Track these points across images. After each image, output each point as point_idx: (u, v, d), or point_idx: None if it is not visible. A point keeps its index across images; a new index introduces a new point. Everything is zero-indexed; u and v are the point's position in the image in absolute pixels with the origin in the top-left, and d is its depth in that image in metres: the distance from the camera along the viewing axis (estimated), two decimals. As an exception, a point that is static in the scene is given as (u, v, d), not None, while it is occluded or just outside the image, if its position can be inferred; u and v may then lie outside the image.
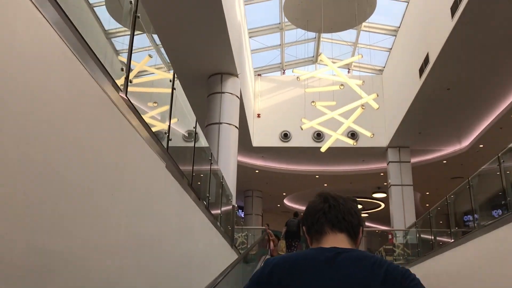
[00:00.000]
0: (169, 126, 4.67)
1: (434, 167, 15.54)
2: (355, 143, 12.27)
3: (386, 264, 1.31)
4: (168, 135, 4.60)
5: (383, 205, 20.03)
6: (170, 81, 4.88)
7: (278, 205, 21.94)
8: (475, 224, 7.56)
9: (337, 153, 15.29)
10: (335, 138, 10.87)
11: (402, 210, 13.75)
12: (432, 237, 10.13)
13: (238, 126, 10.41)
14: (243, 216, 20.07)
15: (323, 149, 11.52)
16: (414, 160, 14.67)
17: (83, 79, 2.45)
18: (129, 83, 3.21)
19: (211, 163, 7.07)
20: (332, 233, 1.39)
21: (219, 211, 7.97)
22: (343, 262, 1.30)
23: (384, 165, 15.81)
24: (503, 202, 6.81)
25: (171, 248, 4.65)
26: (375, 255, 1.37)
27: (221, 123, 9.99)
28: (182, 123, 5.96)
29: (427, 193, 18.17)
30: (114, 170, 2.95)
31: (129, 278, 3.26)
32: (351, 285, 1.26)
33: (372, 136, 11.39)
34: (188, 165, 5.70)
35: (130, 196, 3.28)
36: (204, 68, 10.22)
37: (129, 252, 3.26)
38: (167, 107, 4.81)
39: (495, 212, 7.50)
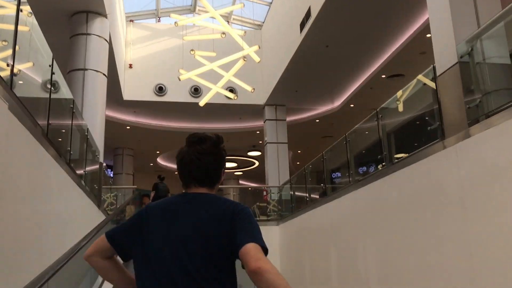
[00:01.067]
0: (13, 60, 3.64)
1: (307, 126, 15.99)
2: (235, 97, 11.85)
3: (232, 203, 1.66)
4: (13, 68, 3.59)
5: (257, 163, 20.31)
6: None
7: (151, 164, 20.93)
8: (350, 179, 7.71)
9: (214, 110, 14.80)
10: (215, 91, 10.28)
11: (277, 167, 13.90)
12: (307, 194, 10.32)
13: (106, 75, 9.20)
14: (112, 175, 18.72)
15: (201, 103, 10.90)
16: (289, 118, 14.86)
17: None
18: None
19: (73, 112, 5.98)
20: (195, 186, 1.71)
21: (83, 169, 6.94)
22: (200, 203, 1.65)
23: (260, 123, 15.79)
24: (378, 157, 6.97)
25: (19, 210, 3.70)
26: (225, 198, 1.71)
27: (86, 69, 8.69)
28: (39, 70, 4.83)
29: (299, 151, 18.79)
30: None
31: None
32: (207, 219, 1.60)
33: (252, 90, 11.06)
34: (45, 116, 4.66)
35: None
36: (67, 4, 8.73)
37: None
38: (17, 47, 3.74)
39: (370, 167, 7.73)
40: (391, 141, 6.62)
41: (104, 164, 10.03)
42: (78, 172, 6.47)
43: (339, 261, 8.06)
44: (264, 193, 13.96)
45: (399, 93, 6.29)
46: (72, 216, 5.86)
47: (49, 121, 4.59)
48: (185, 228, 1.58)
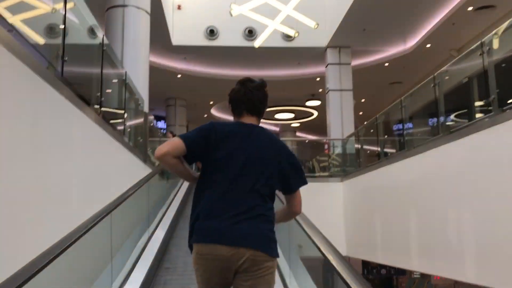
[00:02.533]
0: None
1: (373, 71, 14.30)
2: (296, 34, 10.42)
3: (281, 142, 2.21)
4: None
5: (316, 114, 18.93)
6: None
7: (205, 115, 20.07)
8: (439, 130, 6.28)
9: (270, 55, 13.44)
10: (272, 28, 8.92)
11: (340, 118, 12.51)
12: (379, 147, 8.97)
13: (149, 12, 8.09)
14: (165, 127, 18.13)
15: (257, 44, 9.66)
16: (354, 63, 13.24)
17: None
18: None
19: (104, 50, 4.94)
20: (247, 115, 2.15)
21: (122, 120, 6.00)
22: (258, 135, 2.12)
23: (321, 68, 14.28)
24: (481, 103, 5.51)
25: (23, 170, 2.79)
26: (279, 141, 2.22)
27: (126, 5, 7.62)
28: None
29: (363, 100, 17.15)
30: None
31: None
32: (265, 150, 2.09)
33: (316, 26, 9.58)
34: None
35: None
36: None
37: None
38: None
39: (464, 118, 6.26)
40: (503, 81, 5.09)
41: (152, 116, 9.15)
42: (115, 122, 5.53)
43: (420, 227, 6.80)
44: (325, 146, 12.70)
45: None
46: (108, 174, 4.96)
47: (64, 55, 3.55)
48: (249, 149, 2.06)
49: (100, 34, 5.02)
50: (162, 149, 1.97)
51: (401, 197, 7.43)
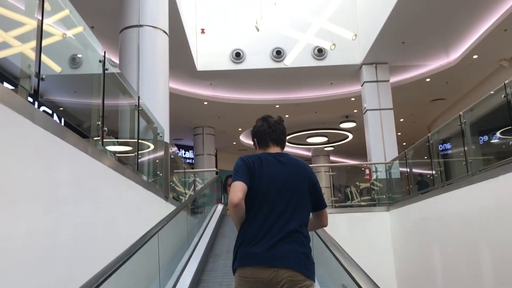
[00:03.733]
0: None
1: (414, 88, 13.18)
2: (333, 46, 9.50)
3: (307, 165, 2.42)
4: None
5: (351, 137, 17.82)
6: None
7: (234, 143, 19.29)
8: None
9: (301, 75, 12.58)
10: (305, 43, 8.05)
11: (381, 139, 11.41)
12: (433, 171, 7.82)
13: (167, 32, 7.37)
14: (193, 157, 17.40)
15: (287, 62, 8.79)
16: (392, 79, 12.19)
17: None
18: None
19: (104, 68, 4.13)
20: (273, 145, 2.42)
21: (135, 152, 5.16)
22: (288, 162, 2.34)
23: (355, 88, 13.32)
24: None
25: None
26: (303, 162, 2.42)
27: (141, 25, 6.91)
28: None
29: (401, 119, 15.98)
30: None
31: None
32: (296, 176, 2.30)
33: (354, 37, 8.66)
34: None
35: None
36: None
37: None
38: None
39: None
40: None
41: (174, 149, 8.33)
42: (124, 155, 4.69)
43: (496, 263, 5.60)
44: (366, 171, 11.57)
45: None
46: (112, 218, 4.07)
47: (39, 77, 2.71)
48: (283, 173, 2.28)
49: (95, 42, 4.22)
50: (237, 195, 2.16)
51: (468, 229, 6.25)
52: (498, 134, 6.12)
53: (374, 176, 11.03)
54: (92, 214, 3.52)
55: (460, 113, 6.47)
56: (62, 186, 3.05)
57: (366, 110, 11.72)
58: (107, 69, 4.21)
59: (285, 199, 2.21)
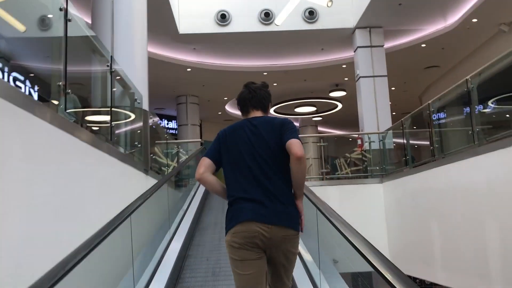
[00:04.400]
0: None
1: (408, 54, 12.58)
2: (330, 3, 8.81)
3: (281, 119, 2.45)
4: None
5: (340, 106, 17.27)
6: None
7: (219, 113, 18.59)
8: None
9: (290, 40, 11.86)
10: (296, 3, 7.35)
11: (375, 108, 10.87)
12: (432, 141, 7.32)
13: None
14: (176, 127, 16.71)
15: (278, 22, 8.08)
16: (385, 45, 11.56)
17: None
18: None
19: (67, 15, 3.43)
20: (253, 110, 2.51)
21: (107, 119, 4.52)
22: (260, 123, 2.42)
23: (347, 54, 12.70)
24: None
25: None
26: (276, 118, 2.49)
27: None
28: None
29: (393, 88, 15.42)
30: None
31: None
32: (266, 132, 2.37)
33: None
34: None
35: None
36: None
37: None
38: None
39: None
40: None
41: (156, 119, 7.68)
42: (98, 124, 4.06)
43: (503, 241, 5.19)
44: (358, 141, 11.08)
45: None
46: (82, 195, 3.47)
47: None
48: (253, 137, 2.37)
49: None
50: (198, 171, 2.39)
51: (473, 203, 5.81)
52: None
53: (366, 146, 10.56)
54: (51, 194, 2.91)
55: (467, 77, 5.92)
56: (11, 161, 2.43)
57: (359, 77, 11.13)
58: (70, 20, 3.52)
59: (258, 158, 2.32)
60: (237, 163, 2.33)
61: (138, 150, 5.89)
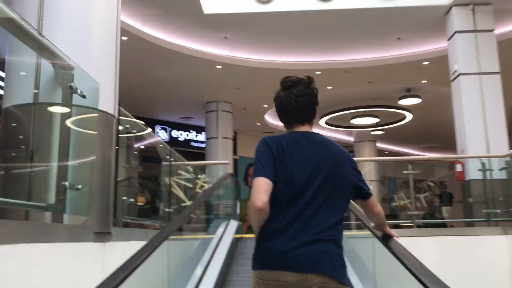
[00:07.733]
0: None
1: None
2: None
3: (338, 146, 2.05)
4: None
5: (410, 117, 13.78)
6: None
7: (258, 124, 15.42)
8: None
9: (356, 25, 8.64)
10: None
11: (482, 118, 7.44)
12: None
13: None
14: (205, 140, 13.78)
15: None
16: (497, 30, 8.12)
17: None
18: None
19: None
20: (297, 125, 2.04)
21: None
22: (316, 142, 1.99)
23: (431, 46, 9.36)
24: None
25: None
26: (335, 143, 2.06)
27: None
28: None
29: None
30: None
31: None
32: (325, 155, 1.94)
33: None
34: None
35: None
36: None
37: None
38: None
39: None
40: None
41: (149, 129, 4.64)
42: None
43: None
44: (458, 167, 7.61)
45: None
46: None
47: None
48: (315, 161, 1.90)
49: None
50: (261, 198, 1.79)
51: None
52: None
53: (470, 176, 7.15)
54: None
55: None
56: None
57: (458, 75, 7.71)
58: None
59: (320, 188, 1.88)
60: (291, 183, 1.89)
61: (83, 195, 2.81)
